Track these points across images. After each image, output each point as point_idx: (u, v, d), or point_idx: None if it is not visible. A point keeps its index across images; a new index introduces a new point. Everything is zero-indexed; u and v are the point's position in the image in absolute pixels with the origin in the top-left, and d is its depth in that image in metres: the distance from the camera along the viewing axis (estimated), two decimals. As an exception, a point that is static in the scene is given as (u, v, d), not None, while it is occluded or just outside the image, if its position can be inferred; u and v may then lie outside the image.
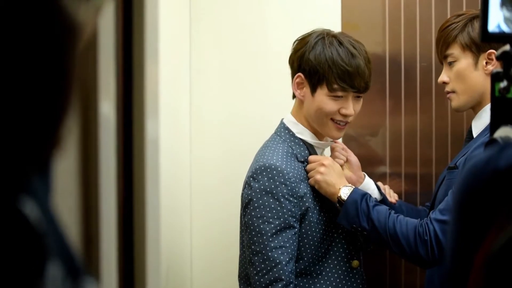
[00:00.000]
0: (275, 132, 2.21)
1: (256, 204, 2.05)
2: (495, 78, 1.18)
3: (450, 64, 2.17)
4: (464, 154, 2.10)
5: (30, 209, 0.61)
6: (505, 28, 1.15)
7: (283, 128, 2.19)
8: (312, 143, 2.18)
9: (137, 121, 1.39)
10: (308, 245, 2.10)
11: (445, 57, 2.18)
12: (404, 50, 2.65)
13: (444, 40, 2.17)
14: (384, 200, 2.28)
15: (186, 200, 2.74)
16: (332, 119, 2.12)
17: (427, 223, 2.04)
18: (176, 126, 2.63)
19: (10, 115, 0.59)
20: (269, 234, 2.03)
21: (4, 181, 0.60)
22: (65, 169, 1.12)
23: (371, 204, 2.08)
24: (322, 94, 2.10)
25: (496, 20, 1.15)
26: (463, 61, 2.15)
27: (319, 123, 2.15)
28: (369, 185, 2.29)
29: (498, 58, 1.16)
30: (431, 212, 2.10)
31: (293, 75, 2.16)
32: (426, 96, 2.65)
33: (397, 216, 2.08)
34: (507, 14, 1.15)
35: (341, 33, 2.19)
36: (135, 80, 1.39)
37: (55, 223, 0.69)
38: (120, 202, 1.36)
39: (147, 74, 1.40)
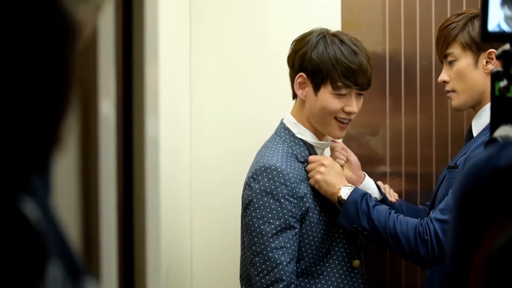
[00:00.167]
0: (275, 133, 2.21)
1: (256, 205, 2.05)
2: (495, 77, 1.17)
3: (450, 63, 2.17)
4: (464, 154, 2.10)
5: (30, 209, 0.61)
6: (505, 27, 1.15)
7: (283, 129, 2.19)
8: (312, 143, 2.18)
9: (137, 120, 1.39)
10: (309, 245, 2.10)
11: (445, 56, 2.18)
12: (404, 50, 2.65)
13: (444, 39, 2.17)
14: (384, 200, 2.28)
15: (186, 199, 2.74)
16: (335, 118, 2.12)
17: (427, 222, 2.04)
18: (176, 126, 2.63)
19: (10, 115, 0.59)
20: (270, 234, 2.03)
21: (4, 181, 0.60)
22: (65, 169, 1.12)
23: (371, 204, 2.08)
24: (326, 93, 2.11)
25: (496, 19, 1.15)
26: (463, 60, 2.14)
27: (322, 122, 2.14)
28: (369, 185, 2.29)
29: (498, 57, 1.16)
30: (431, 211, 2.10)
31: (294, 75, 2.16)
32: (426, 95, 2.65)
33: (397, 216, 2.08)
34: (507, 13, 1.15)
35: (340, 32, 2.20)
36: (135, 80, 1.39)
37: (55, 223, 0.69)
38: (120, 202, 1.35)
39: (147, 74, 1.40)
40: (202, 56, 2.73)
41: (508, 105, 1.17)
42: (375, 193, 2.27)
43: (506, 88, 1.16)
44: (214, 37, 2.73)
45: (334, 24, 2.54)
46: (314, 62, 2.09)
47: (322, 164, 2.11)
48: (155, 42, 1.44)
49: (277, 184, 2.04)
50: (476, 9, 2.20)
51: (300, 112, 2.18)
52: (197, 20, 2.74)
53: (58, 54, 0.61)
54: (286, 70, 2.21)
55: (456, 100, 2.18)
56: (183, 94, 2.72)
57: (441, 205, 2.06)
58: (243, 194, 2.13)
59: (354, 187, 2.13)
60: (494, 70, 1.18)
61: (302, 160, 2.14)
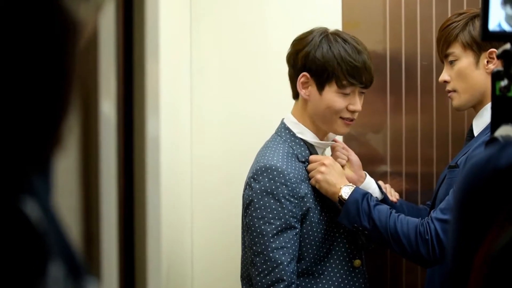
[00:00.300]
0: (276, 132, 2.21)
1: (257, 205, 2.05)
2: (495, 76, 1.17)
3: (451, 63, 2.17)
4: (465, 153, 2.10)
5: (31, 208, 0.61)
6: (506, 27, 1.15)
7: (283, 128, 2.19)
8: (312, 143, 2.18)
9: (137, 120, 1.39)
10: (310, 245, 2.10)
11: (446, 56, 2.18)
12: (405, 49, 2.65)
13: (445, 39, 2.17)
14: (385, 199, 2.28)
15: (187, 199, 2.74)
16: (340, 117, 2.13)
17: (428, 222, 2.04)
18: (176, 125, 2.63)
19: (10, 115, 0.59)
20: (270, 235, 2.03)
21: (5, 181, 0.60)
22: (65, 168, 1.12)
23: (372, 203, 2.08)
24: (331, 92, 2.11)
25: (497, 19, 1.15)
26: (464, 60, 2.14)
27: (327, 121, 2.15)
28: (370, 184, 2.29)
29: (498, 56, 1.16)
30: (432, 211, 2.10)
31: (296, 74, 2.15)
32: (427, 95, 2.65)
33: (398, 216, 2.08)
34: (508, 12, 1.14)
35: (340, 31, 2.19)
36: (135, 79, 1.39)
37: (56, 223, 0.69)
38: (121, 201, 1.35)
39: (148, 73, 1.40)
40: (203, 56, 2.73)
41: (508, 104, 1.17)
42: (376, 193, 2.27)
43: (506, 88, 1.16)
44: (215, 36, 2.73)
45: (334, 24, 2.54)
46: (318, 61, 2.09)
47: (323, 164, 2.11)
48: (156, 41, 1.44)
49: (278, 184, 2.04)
50: (477, 8, 2.20)
51: (302, 111, 2.17)
52: (198, 20, 2.74)
53: (59, 54, 0.61)
54: (286, 69, 2.21)
55: (457, 100, 2.18)
56: (184, 93, 2.72)
57: (441, 205, 2.06)
58: (243, 194, 2.13)
59: (355, 186, 2.13)
60: (495, 69, 1.18)
61: (303, 160, 2.14)
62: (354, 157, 2.30)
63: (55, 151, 0.64)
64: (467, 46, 2.13)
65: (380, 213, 2.07)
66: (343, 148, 2.30)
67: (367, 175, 2.31)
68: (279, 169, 2.05)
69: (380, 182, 2.39)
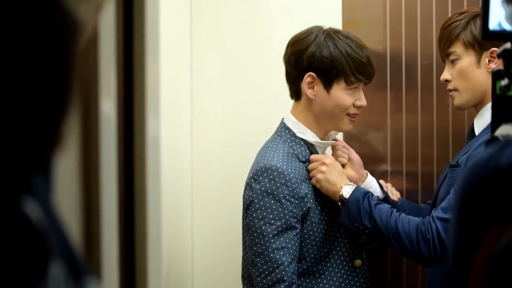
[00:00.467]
0: (276, 132, 2.21)
1: (257, 206, 2.04)
2: (496, 76, 1.17)
3: (453, 62, 2.17)
4: (466, 152, 2.10)
5: (31, 208, 0.61)
6: (506, 26, 1.15)
7: (283, 128, 2.19)
8: (313, 143, 2.17)
9: (138, 119, 1.39)
10: (310, 245, 2.10)
11: (448, 55, 2.18)
12: (405, 48, 2.65)
13: (447, 38, 2.17)
14: (386, 199, 2.28)
15: (187, 198, 2.74)
16: (347, 113, 2.13)
17: (429, 221, 2.04)
18: (177, 125, 2.63)
19: (11, 114, 0.59)
20: (271, 235, 2.03)
21: (5, 181, 0.60)
22: (66, 168, 1.12)
23: (373, 202, 2.08)
24: (339, 89, 2.11)
25: (497, 18, 1.15)
26: (466, 59, 2.14)
27: (334, 119, 2.15)
28: (371, 184, 2.29)
29: (499, 56, 1.16)
30: (433, 210, 2.10)
31: (300, 75, 2.13)
32: (427, 94, 2.65)
33: (399, 215, 2.08)
34: (508, 11, 1.14)
35: (336, 28, 2.19)
36: (136, 79, 1.39)
37: (57, 223, 0.69)
38: (121, 201, 1.35)
39: (148, 73, 1.40)
40: (203, 55, 2.73)
41: (509, 104, 1.17)
42: (377, 192, 2.27)
43: (507, 87, 1.15)
44: (215, 36, 2.73)
45: (335, 23, 2.54)
46: (326, 60, 2.09)
47: (324, 163, 2.11)
48: (156, 41, 1.44)
49: (278, 184, 2.04)
50: (477, 7, 2.20)
51: (303, 111, 2.17)
52: (198, 20, 2.74)
53: (59, 53, 0.61)
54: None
55: (458, 99, 2.18)
56: (184, 93, 2.72)
57: (443, 204, 2.06)
58: (244, 195, 2.12)
59: (355, 185, 2.13)
60: (495, 68, 1.18)
61: (303, 159, 2.13)
62: (355, 156, 2.29)
63: (56, 151, 0.64)
64: (468, 45, 2.13)
65: (381, 212, 2.07)
66: (344, 147, 2.30)
67: (368, 174, 2.31)
68: (280, 170, 2.05)
69: (381, 181, 2.39)
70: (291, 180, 2.05)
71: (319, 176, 2.09)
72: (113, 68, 1.27)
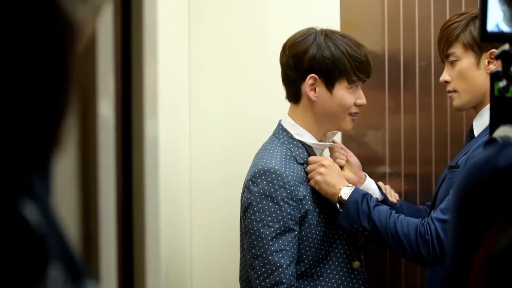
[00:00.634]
0: (273, 134, 2.20)
1: (255, 208, 2.04)
2: (494, 77, 1.17)
3: (452, 63, 2.17)
4: (466, 153, 2.10)
5: (30, 210, 0.61)
6: (504, 28, 1.15)
7: (281, 130, 2.18)
8: (311, 144, 2.17)
9: (136, 121, 1.39)
10: (309, 247, 2.10)
11: (447, 56, 2.18)
12: (403, 49, 2.65)
13: (446, 39, 2.17)
14: (385, 200, 2.28)
15: (186, 198, 2.74)
16: (349, 113, 2.14)
17: (428, 222, 2.04)
18: (175, 125, 2.63)
19: (9, 116, 0.59)
20: (269, 237, 2.03)
21: (4, 183, 0.60)
22: (64, 170, 1.12)
23: (372, 204, 2.08)
24: (341, 89, 2.12)
25: (495, 20, 1.15)
26: (465, 60, 2.14)
27: (336, 120, 2.15)
28: (370, 185, 2.28)
29: (497, 57, 1.16)
30: (432, 211, 2.10)
31: (300, 78, 2.12)
32: (426, 95, 2.65)
33: (398, 216, 2.08)
34: (506, 13, 1.14)
35: (329, 29, 2.19)
36: (134, 80, 1.38)
37: (56, 225, 0.69)
38: (120, 202, 1.35)
39: (146, 74, 1.40)
40: (201, 56, 2.74)
41: (507, 105, 1.17)
42: (376, 194, 2.27)
43: (505, 88, 1.15)
44: (214, 36, 2.73)
45: (333, 24, 2.54)
46: (328, 60, 2.09)
47: (322, 165, 2.11)
48: (154, 42, 1.44)
49: (276, 187, 2.03)
50: (476, 8, 2.20)
51: (304, 113, 2.16)
52: (196, 20, 2.74)
53: (58, 55, 0.61)
54: (285, 69, 2.21)
55: (457, 100, 2.18)
56: (183, 93, 2.72)
57: (442, 205, 2.06)
58: (242, 197, 2.12)
59: (354, 187, 2.13)
60: (494, 70, 1.18)
61: (301, 161, 2.13)
62: (354, 159, 2.29)
63: (54, 153, 0.64)
64: (468, 47, 2.13)
65: (380, 213, 2.07)
66: (342, 148, 2.30)
67: (367, 176, 2.31)
68: (278, 172, 2.05)
69: (380, 183, 2.39)
70: (289, 182, 2.05)
71: (318, 177, 2.09)
72: (111, 69, 1.27)
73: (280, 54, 2.19)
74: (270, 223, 2.03)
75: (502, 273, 0.91)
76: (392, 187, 2.47)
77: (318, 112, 2.15)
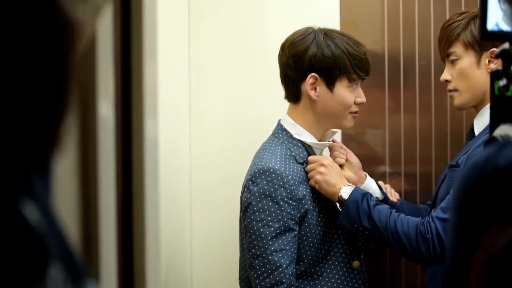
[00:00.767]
0: (273, 134, 2.20)
1: (255, 208, 2.04)
2: (494, 76, 1.17)
3: (453, 62, 2.17)
4: (466, 152, 2.10)
5: (30, 210, 0.61)
6: (504, 27, 1.15)
7: (280, 130, 2.18)
8: (310, 144, 2.17)
9: (136, 121, 1.39)
10: (308, 246, 2.10)
11: (448, 55, 2.18)
12: (403, 49, 2.65)
13: (447, 38, 2.17)
14: (385, 200, 2.28)
15: (186, 198, 2.74)
16: (349, 112, 2.14)
17: (428, 221, 2.04)
18: (175, 125, 2.63)
19: (9, 116, 0.59)
20: (269, 237, 2.03)
21: (4, 183, 0.60)
22: (64, 170, 1.12)
23: (372, 203, 2.08)
24: (342, 88, 2.12)
25: (495, 19, 1.15)
26: (466, 59, 2.14)
27: (337, 118, 2.15)
28: (370, 185, 2.28)
29: (497, 56, 1.16)
30: (432, 210, 2.10)
31: (301, 77, 2.12)
32: (425, 95, 2.65)
33: (398, 215, 2.08)
34: (506, 12, 1.14)
35: (329, 28, 2.19)
36: (134, 81, 1.38)
37: (56, 225, 0.69)
38: (120, 202, 1.35)
39: (146, 75, 1.39)
40: (201, 56, 2.74)
41: (507, 104, 1.17)
42: (376, 193, 2.27)
43: (505, 87, 1.15)
44: (213, 36, 2.73)
45: (333, 23, 2.54)
46: (329, 59, 2.09)
47: (322, 164, 2.10)
48: (154, 42, 1.44)
49: (276, 186, 2.03)
50: (476, 8, 2.20)
51: (304, 112, 2.16)
52: (196, 20, 2.74)
53: (58, 55, 0.61)
54: (285, 70, 2.20)
55: (458, 99, 2.18)
56: (183, 93, 2.72)
57: (442, 204, 2.06)
58: (241, 197, 2.12)
59: (354, 186, 2.13)
60: (494, 69, 1.18)
61: (301, 161, 2.13)
62: (354, 159, 2.29)
63: (54, 153, 0.64)
64: (468, 46, 2.13)
65: (380, 212, 2.07)
66: (341, 147, 2.30)
67: (367, 175, 2.31)
68: (277, 172, 2.05)
69: (380, 183, 2.39)
70: (289, 182, 2.05)
71: (318, 177, 2.09)
72: (111, 69, 1.27)
73: (279, 53, 2.18)
74: (270, 223, 2.03)
75: (502, 273, 0.91)
76: (392, 186, 2.47)
77: (318, 111, 2.15)
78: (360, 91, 2.16)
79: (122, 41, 1.36)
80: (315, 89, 2.12)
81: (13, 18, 0.58)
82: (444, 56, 2.20)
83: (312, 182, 2.10)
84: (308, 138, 2.17)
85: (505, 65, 1.15)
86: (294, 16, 2.67)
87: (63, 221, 0.71)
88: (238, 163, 2.52)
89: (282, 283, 2.02)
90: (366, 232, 2.08)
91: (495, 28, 1.16)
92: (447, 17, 2.32)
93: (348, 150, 2.31)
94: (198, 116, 2.75)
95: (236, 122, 2.73)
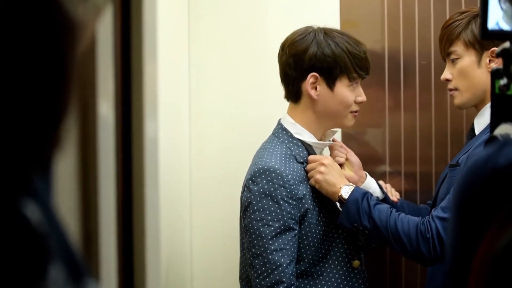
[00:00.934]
0: (273, 133, 2.20)
1: (255, 207, 2.04)
2: (495, 75, 1.17)
3: (453, 61, 2.17)
4: (466, 152, 2.10)
5: (31, 210, 0.61)
6: (504, 26, 1.15)
7: (280, 129, 2.18)
8: (310, 143, 2.17)
9: (136, 121, 1.39)
10: (308, 246, 2.10)
11: (448, 54, 2.18)
12: (403, 48, 2.65)
13: (448, 37, 2.17)
14: (386, 199, 2.28)
15: (186, 197, 2.74)
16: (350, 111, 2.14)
17: (429, 220, 2.04)
18: (175, 125, 2.63)
19: (10, 116, 0.59)
20: (269, 237, 2.03)
21: (5, 183, 0.60)
22: (64, 170, 1.12)
23: (372, 202, 2.08)
24: (342, 87, 2.12)
25: (496, 18, 1.15)
26: (466, 58, 2.14)
27: (338, 117, 2.15)
28: (370, 184, 2.28)
29: (498, 55, 1.16)
30: (433, 209, 2.10)
31: (301, 77, 2.12)
32: (426, 94, 2.65)
33: (399, 214, 2.08)
34: (507, 11, 1.14)
35: (328, 27, 2.19)
36: (133, 81, 1.38)
37: (57, 224, 0.69)
38: (120, 202, 1.35)
39: (146, 74, 1.39)
40: (201, 56, 2.74)
41: (508, 103, 1.17)
42: (377, 193, 2.27)
43: (506, 86, 1.15)
44: (213, 36, 2.73)
45: (333, 23, 2.54)
46: (329, 58, 2.09)
47: (322, 164, 2.10)
48: (154, 42, 1.44)
49: (276, 186, 2.03)
50: (476, 7, 2.20)
51: (304, 112, 2.16)
52: (196, 20, 2.74)
53: (58, 55, 0.61)
54: (285, 69, 2.20)
55: (458, 98, 2.18)
56: (183, 93, 2.72)
57: (443, 203, 2.06)
58: (241, 196, 2.12)
59: (355, 186, 2.13)
60: (494, 68, 1.18)
61: (301, 160, 2.13)
62: (354, 158, 2.29)
63: (55, 153, 0.64)
64: (469, 45, 2.13)
65: (380, 212, 2.07)
66: (341, 147, 2.30)
67: (368, 175, 2.31)
68: (278, 171, 2.05)
69: (381, 182, 2.39)
70: (289, 181, 2.05)
71: (318, 176, 2.09)
72: (111, 69, 1.27)
73: (279, 53, 2.18)
74: (270, 222, 2.03)
75: (502, 273, 0.90)
76: (392, 186, 2.47)
77: (319, 110, 2.15)
78: (360, 90, 2.16)
79: (122, 41, 1.36)
80: (316, 88, 2.12)
81: (14, 18, 0.58)
82: (445, 55, 2.20)
83: (312, 181, 2.10)
84: (308, 137, 2.17)
85: (505, 64, 1.15)
86: (294, 16, 2.67)
87: (64, 221, 0.71)
88: (238, 163, 2.52)
89: (282, 282, 2.02)
90: (366, 232, 2.08)
91: (496, 27, 1.16)
92: (447, 17, 2.33)
93: (348, 150, 2.31)
94: (198, 116, 2.75)
95: (236, 122, 2.73)
